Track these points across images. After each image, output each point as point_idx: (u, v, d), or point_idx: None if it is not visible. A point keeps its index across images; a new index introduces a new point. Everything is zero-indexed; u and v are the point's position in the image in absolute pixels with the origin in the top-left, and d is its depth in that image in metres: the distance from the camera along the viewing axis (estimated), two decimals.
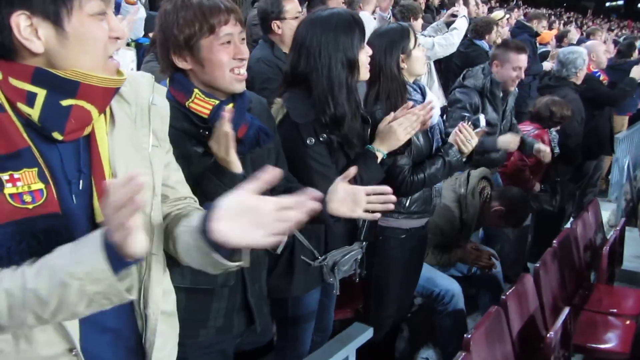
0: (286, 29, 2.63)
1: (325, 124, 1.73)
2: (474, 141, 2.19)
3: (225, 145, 1.34)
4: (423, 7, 6.51)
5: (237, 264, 1.02)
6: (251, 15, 4.05)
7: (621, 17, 26.33)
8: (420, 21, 4.73)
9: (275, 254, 1.80)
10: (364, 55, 1.78)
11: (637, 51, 5.78)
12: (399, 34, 2.17)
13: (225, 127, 1.31)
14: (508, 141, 3.07)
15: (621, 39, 7.51)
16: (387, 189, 1.47)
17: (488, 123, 2.98)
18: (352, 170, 1.48)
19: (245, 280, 1.53)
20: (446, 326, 2.70)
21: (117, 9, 3.58)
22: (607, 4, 31.82)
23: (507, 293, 2.33)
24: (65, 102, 0.91)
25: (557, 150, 3.67)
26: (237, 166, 1.38)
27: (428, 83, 4.26)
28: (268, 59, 2.64)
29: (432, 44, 4.17)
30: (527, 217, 3.22)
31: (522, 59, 3.06)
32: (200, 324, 1.49)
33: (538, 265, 2.68)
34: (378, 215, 1.49)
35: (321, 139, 1.72)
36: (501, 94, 3.09)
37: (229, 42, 1.36)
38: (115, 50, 0.96)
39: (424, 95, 2.25)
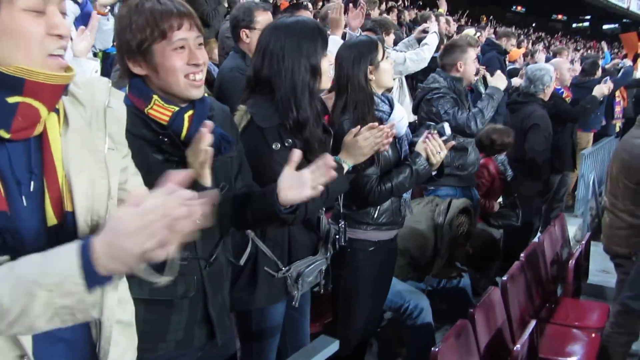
0: (255, 38, 2.62)
1: (289, 129, 1.73)
2: (442, 152, 2.21)
3: (203, 160, 1.34)
4: (395, 23, 6.61)
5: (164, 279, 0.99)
6: (224, 28, 4.03)
7: (587, 38, 27.22)
8: (392, 36, 4.78)
9: (238, 265, 1.77)
10: (326, 64, 1.81)
11: (600, 70, 5.95)
12: (367, 46, 2.19)
13: (205, 143, 1.31)
14: (500, 78, 3.28)
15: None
16: (327, 157, 1.46)
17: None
18: (297, 154, 1.46)
19: (206, 292, 1.48)
20: (415, 340, 2.69)
21: (85, 19, 3.53)
22: (574, 25, 32.88)
23: (475, 306, 2.33)
24: (11, 99, 0.88)
25: (509, 173, 3.76)
26: (207, 180, 1.38)
27: (400, 98, 4.29)
28: (241, 68, 2.62)
29: (404, 59, 4.21)
30: (491, 267, 3.27)
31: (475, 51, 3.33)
32: (159, 337, 1.44)
33: (505, 278, 2.70)
34: (321, 188, 1.47)
35: (286, 144, 1.71)
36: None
37: (182, 47, 1.33)
38: (59, 48, 0.92)
39: (391, 106, 2.26)
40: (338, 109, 2.14)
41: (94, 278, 0.83)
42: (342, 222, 2.07)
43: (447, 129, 2.21)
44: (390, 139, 1.93)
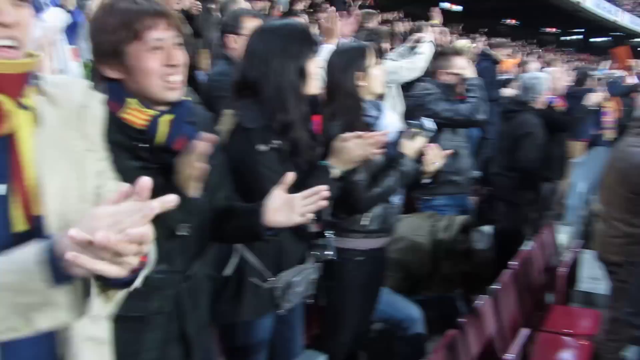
0: (242, 44, 2.61)
1: (276, 131, 1.71)
2: (439, 162, 2.20)
3: (192, 173, 1.31)
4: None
5: None
6: (216, 36, 4.03)
7: (578, 51, 27.44)
8: (387, 45, 4.78)
9: (222, 276, 1.73)
10: (314, 67, 1.79)
11: (592, 80, 5.99)
12: (357, 52, 2.18)
13: (197, 155, 1.28)
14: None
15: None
16: (321, 188, 1.44)
17: None
18: (290, 177, 1.44)
19: (183, 308, 1.42)
20: (406, 352, 2.64)
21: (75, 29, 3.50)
22: (565, 37, 33.16)
23: (466, 316, 2.31)
24: None
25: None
26: (193, 191, 1.35)
27: (395, 107, 4.28)
28: (228, 74, 2.60)
29: (398, 67, 4.20)
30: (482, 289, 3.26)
31: (462, 62, 3.29)
32: (132, 358, 1.34)
33: (496, 287, 2.68)
34: (310, 216, 1.45)
35: (272, 146, 1.69)
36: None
37: (159, 47, 1.29)
38: (3, 38, 0.86)
39: (381, 112, 2.25)
40: (327, 115, 2.12)
41: (59, 274, 0.79)
42: (330, 235, 2.03)
43: (428, 123, 2.20)
44: (382, 149, 1.91)
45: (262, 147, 1.68)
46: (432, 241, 2.77)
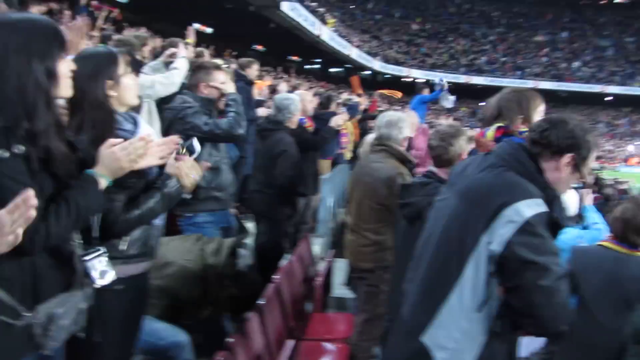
0: None
1: (21, 137, 1.47)
2: (197, 176, 2.09)
3: None
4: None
5: None
6: None
7: (318, 78, 30.60)
8: (140, 58, 4.55)
9: None
10: (65, 67, 1.59)
11: (334, 104, 6.67)
12: (105, 59, 1.97)
13: None
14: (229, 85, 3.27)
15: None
16: (28, 193, 1.27)
17: None
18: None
19: None
20: None
21: None
22: (307, 66, 36.69)
23: (233, 335, 2.27)
24: None
25: None
26: None
27: (150, 124, 4.07)
28: None
29: (152, 82, 4.01)
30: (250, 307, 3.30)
31: (222, 76, 3.31)
32: None
33: (262, 302, 2.71)
34: (19, 233, 1.27)
35: (16, 151, 1.45)
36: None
37: None
38: None
39: (136, 125, 2.07)
40: (72, 128, 1.85)
41: None
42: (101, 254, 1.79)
43: (197, 145, 2.12)
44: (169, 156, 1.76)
45: (4, 154, 1.44)
46: (202, 266, 2.65)
